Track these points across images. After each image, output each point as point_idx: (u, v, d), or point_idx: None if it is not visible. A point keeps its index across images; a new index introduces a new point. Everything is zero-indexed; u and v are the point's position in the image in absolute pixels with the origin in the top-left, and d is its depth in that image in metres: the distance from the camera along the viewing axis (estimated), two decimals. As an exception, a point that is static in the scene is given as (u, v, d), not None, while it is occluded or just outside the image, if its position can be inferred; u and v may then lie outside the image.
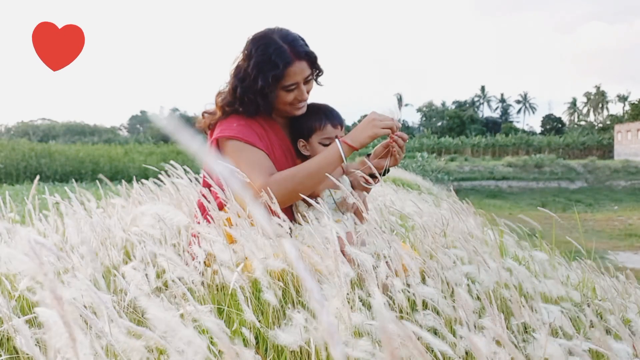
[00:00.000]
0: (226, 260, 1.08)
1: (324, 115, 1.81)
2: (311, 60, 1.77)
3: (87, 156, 18.56)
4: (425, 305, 1.26)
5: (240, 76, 1.75)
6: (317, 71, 1.83)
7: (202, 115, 1.88)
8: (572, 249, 2.60)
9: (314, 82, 1.85)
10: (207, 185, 1.74)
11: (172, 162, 2.33)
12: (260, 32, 1.79)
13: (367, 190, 1.89)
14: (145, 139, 48.76)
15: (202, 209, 1.75)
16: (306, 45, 1.79)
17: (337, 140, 1.68)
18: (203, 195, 1.66)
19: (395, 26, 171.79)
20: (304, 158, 1.87)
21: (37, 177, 1.73)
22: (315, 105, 1.87)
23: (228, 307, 1.28)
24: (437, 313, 1.21)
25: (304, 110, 1.83)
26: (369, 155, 1.86)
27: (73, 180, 4.37)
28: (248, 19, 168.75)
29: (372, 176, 1.75)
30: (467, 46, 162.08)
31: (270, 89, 1.73)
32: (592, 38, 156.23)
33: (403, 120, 75.51)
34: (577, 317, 1.48)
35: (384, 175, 1.81)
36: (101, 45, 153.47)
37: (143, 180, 2.83)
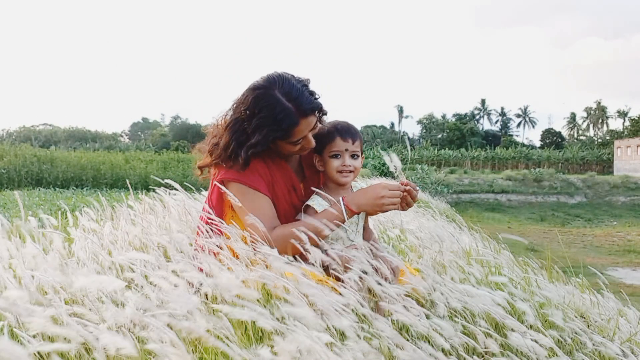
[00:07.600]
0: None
1: (335, 129, 1.85)
2: (317, 110, 1.75)
3: (89, 163, 18.58)
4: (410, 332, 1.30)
5: (238, 132, 1.71)
6: (322, 114, 1.82)
7: (199, 168, 1.85)
8: (569, 264, 2.65)
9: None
10: (208, 221, 1.73)
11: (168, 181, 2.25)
12: (261, 86, 1.71)
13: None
14: (146, 146, 48.80)
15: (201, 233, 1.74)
16: (310, 94, 1.73)
17: (341, 202, 1.73)
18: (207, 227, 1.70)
19: (397, 39, 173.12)
20: (313, 181, 1.90)
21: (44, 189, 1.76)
22: (331, 123, 1.89)
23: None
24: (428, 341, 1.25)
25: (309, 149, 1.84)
26: None
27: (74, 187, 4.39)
28: (250, 29, 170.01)
29: None
30: (468, 60, 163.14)
31: (269, 144, 1.73)
32: (591, 54, 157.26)
33: (403, 132, 75.59)
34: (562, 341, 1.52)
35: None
36: (103, 51, 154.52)
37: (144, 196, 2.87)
